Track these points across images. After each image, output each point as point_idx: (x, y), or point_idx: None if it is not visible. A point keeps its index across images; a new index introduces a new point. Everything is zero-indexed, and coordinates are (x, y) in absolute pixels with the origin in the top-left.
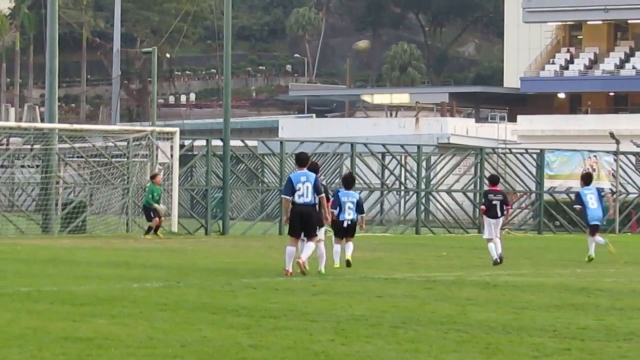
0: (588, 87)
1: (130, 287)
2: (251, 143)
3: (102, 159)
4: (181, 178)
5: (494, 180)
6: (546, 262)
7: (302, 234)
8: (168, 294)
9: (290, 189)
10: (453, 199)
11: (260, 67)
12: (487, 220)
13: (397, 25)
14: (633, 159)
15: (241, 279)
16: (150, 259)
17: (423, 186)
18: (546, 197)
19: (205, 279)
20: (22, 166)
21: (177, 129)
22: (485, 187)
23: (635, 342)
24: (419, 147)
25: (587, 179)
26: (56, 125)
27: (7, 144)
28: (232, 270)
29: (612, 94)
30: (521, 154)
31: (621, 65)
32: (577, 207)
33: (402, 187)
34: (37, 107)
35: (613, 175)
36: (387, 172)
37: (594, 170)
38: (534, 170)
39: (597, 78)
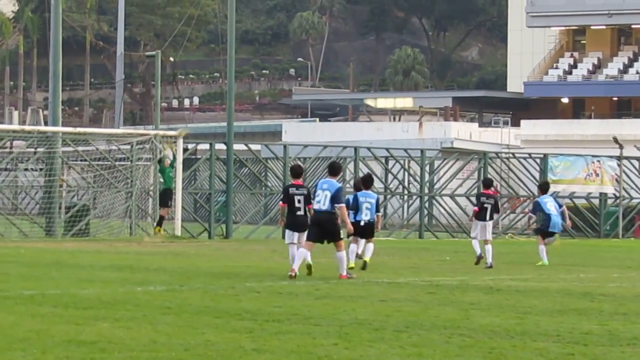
0: (591, 91)
1: (134, 290)
2: (254, 147)
3: (106, 163)
4: (184, 182)
5: (487, 183)
6: (549, 266)
7: (320, 240)
8: (171, 297)
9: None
10: (456, 203)
11: (264, 71)
12: (475, 221)
13: (400, 29)
14: (636, 163)
15: (244, 283)
16: (153, 263)
17: (426, 190)
18: None
19: (209, 283)
20: (26, 169)
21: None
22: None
23: (638, 347)
24: (422, 151)
25: (544, 188)
26: (60, 129)
27: (11, 147)
28: (236, 274)
29: (615, 98)
30: (524, 158)
31: (625, 70)
32: (533, 215)
33: (406, 192)
34: (40, 110)
35: (617, 180)
36: (390, 177)
37: (597, 175)
38: (537, 175)
39: (601, 83)
